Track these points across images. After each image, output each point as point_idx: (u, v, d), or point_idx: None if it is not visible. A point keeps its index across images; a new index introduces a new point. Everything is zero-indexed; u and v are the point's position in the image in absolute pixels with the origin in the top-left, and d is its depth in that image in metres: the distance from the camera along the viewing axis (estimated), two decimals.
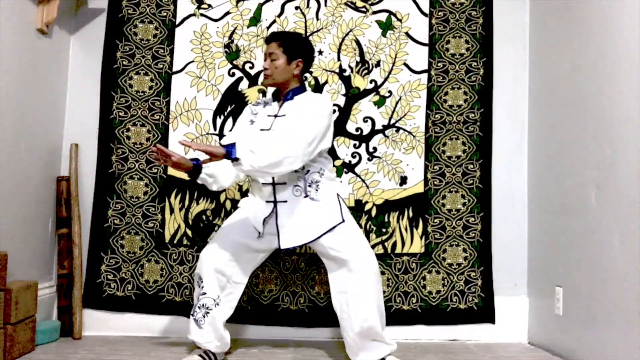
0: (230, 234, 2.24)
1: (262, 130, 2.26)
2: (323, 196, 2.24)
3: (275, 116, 2.27)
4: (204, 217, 2.75)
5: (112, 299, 2.70)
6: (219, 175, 2.21)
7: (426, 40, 2.87)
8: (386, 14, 2.87)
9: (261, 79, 2.80)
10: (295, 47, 2.27)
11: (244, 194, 2.75)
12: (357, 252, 2.18)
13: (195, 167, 2.13)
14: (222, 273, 2.20)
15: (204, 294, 2.19)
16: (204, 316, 2.17)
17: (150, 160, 2.76)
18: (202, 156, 2.09)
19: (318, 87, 2.81)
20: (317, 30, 2.83)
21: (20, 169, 2.41)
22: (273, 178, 2.21)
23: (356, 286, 2.15)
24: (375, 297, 2.18)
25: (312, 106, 2.22)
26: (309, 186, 2.23)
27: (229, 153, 1.97)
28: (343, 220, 2.21)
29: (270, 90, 2.78)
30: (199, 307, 2.19)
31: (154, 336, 2.66)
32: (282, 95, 2.30)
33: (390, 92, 2.84)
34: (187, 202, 2.76)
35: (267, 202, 2.25)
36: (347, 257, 2.16)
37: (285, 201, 2.22)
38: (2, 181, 2.27)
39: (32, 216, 2.51)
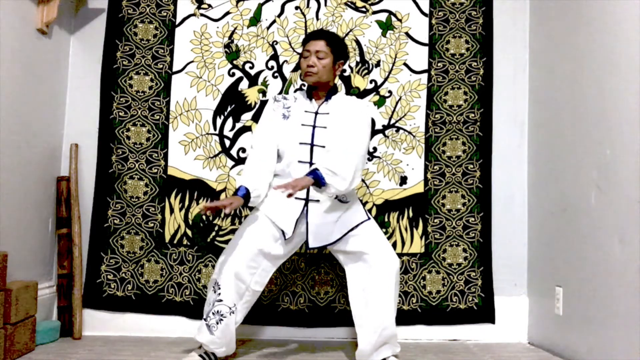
0: (251, 240, 2.18)
1: (303, 125, 2.25)
2: (349, 198, 2.28)
3: (316, 113, 2.27)
4: (204, 217, 2.75)
5: (112, 299, 2.70)
6: (262, 193, 2.20)
7: (426, 40, 2.87)
8: (386, 14, 2.87)
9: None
10: (341, 48, 2.33)
11: None
12: (379, 248, 2.19)
13: (245, 198, 2.13)
14: (242, 281, 2.16)
15: (220, 300, 2.15)
16: (218, 323, 2.14)
17: (150, 160, 2.76)
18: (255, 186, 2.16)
19: None
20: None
21: (20, 169, 2.41)
22: None
23: (376, 283, 2.15)
24: (394, 296, 2.19)
25: (359, 114, 2.28)
26: None
27: (319, 180, 2.06)
28: (368, 218, 2.25)
29: (272, 90, 2.80)
30: (213, 313, 2.15)
31: (154, 336, 2.66)
32: (319, 93, 2.31)
33: (390, 92, 2.84)
34: (187, 202, 2.76)
35: (297, 199, 2.19)
36: (369, 253, 2.17)
37: (318, 200, 2.20)
38: (2, 181, 2.27)
39: (32, 216, 2.51)
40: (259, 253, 2.17)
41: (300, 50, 2.82)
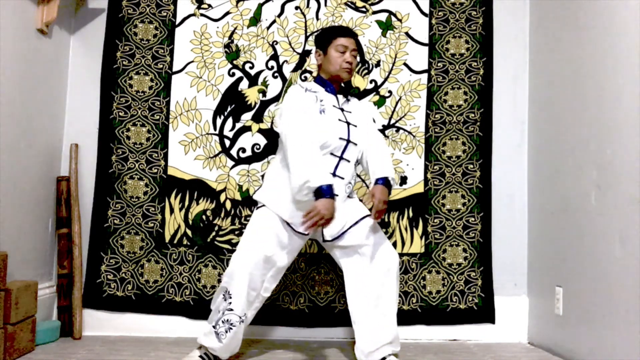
0: (263, 246, 2.12)
1: (340, 120, 2.24)
2: (353, 193, 2.35)
3: (342, 110, 2.28)
4: (204, 217, 2.75)
5: (112, 299, 2.70)
6: None
7: (426, 40, 2.87)
8: (386, 14, 2.87)
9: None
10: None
11: (245, 193, 2.75)
12: (380, 244, 2.19)
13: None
14: (254, 289, 2.13)
15: (231, 310, 2.11)
16: (227, 331, 2.12)
17: (150, 160, 2.76)
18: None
19: None
20: (317, 31, 2.83)
21: (20, 169, 2.41)
22: (335, 169, 2.20)
23: (376, 279, 2.14)
24: (395, 293, 2.18)
25: (372, 116, 2.43)
26: (353, 184, 2.31)
27: (390, 187, 2.23)
28: (369, 214, 2.25)
29: (272, 90, 2.80)
30: (222, 322, 2.12)
31: (154, 336, 2.66)
32: (340, 90, 2.33)
33: (390, 92, 2.84)
34: (187, 202, 2.75)
35: None
36: (370, 246, 2.16)
37: (337, 195, 2.16)
38: (2, 181, 2.27)
39: (32, 216, 2.51)
40: (270, 260, 2.14)
41: (300, 50, 2.83)
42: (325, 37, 2.30)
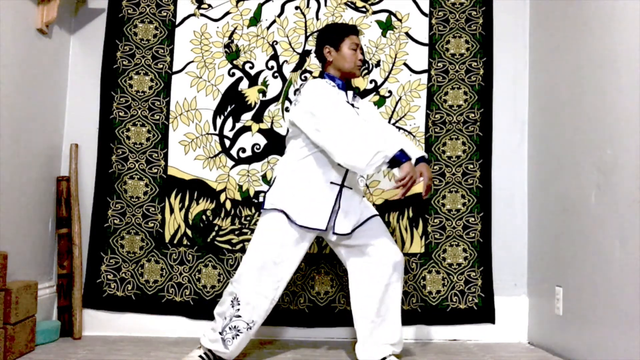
0: (272, 249, 2.12)
1: None
2: (361, 190, 2.35)
3: (352, 106, 2.28)
4: (204, 217, 2.75)
5: (112, 299, 2.70)
6: None
7: (426, 40, 2.87)
8: (386, 14, 2.87)
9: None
10: None
11: (245, 193, 2.75)
12: (386, 244, 2.19)
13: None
14: (264, 296, 2.12)
15: (239, 316, 2.11)
16: (234, 337, 2.11)
17: (150, 160, 2.76)
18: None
19: None
20: (317, 31, 2.83)
21: (20, 169, 2.41)
22: None
23: (381, 279, 2.14)
24: (399, 295, 2.18)
25: (377, 114, 2.48)
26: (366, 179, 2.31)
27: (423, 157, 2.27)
28: (377, 213, 2.26)
29: (272, 90, 2.80)
30: (229, 328, 2.11)
31: (154, 336, 2.66)
32: (347, 85, 2.34)
33: (390, 92, 2.84)
34: (187, 202, 2.75)
35: (332, 183, 2.16)
36: (378, 247, 2.16)
37: (351, 188, 2.17)
38: (2, 181, 2.27)
39: (32, 216, 2.51)
40: (279, 264, 2.12)
41: (300, 50, 2.83)
42: (338, 34, 2.29)
